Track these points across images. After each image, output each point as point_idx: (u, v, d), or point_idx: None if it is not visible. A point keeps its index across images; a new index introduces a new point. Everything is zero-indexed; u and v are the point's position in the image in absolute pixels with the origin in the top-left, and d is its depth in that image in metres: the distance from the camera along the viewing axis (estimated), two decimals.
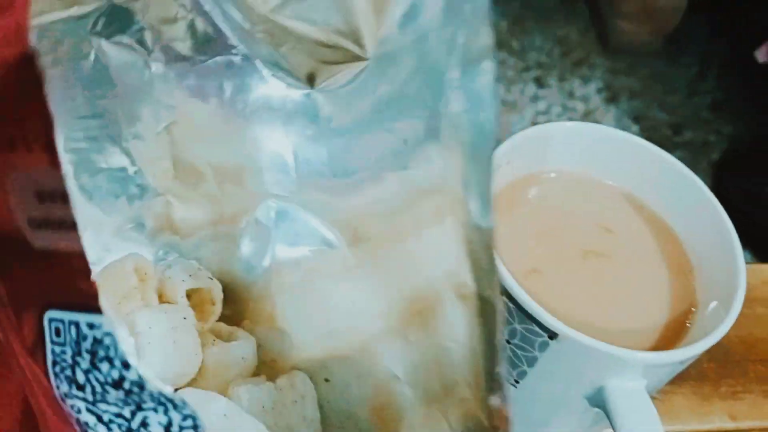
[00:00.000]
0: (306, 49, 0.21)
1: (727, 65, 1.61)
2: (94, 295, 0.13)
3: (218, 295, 0.25)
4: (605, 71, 1.60)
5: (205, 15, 0.21)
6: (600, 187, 0.30)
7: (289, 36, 0.20)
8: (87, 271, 0.13)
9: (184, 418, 0.14)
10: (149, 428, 0.14)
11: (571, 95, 1.54)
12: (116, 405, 0.14)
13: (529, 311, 0.23)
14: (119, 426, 0.14)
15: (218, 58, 0.22)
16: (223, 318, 0.25)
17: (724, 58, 1.62)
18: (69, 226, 0.13)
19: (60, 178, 0.13)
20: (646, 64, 1.63)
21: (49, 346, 0.14)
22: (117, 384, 0.14)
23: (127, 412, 0.14)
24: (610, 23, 1.62)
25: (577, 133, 0.29)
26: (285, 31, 0.21)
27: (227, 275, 0.26)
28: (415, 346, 0.22)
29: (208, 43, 0.22)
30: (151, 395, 0.13)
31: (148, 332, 0.21)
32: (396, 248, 0.22)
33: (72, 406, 0.14)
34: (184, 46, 0.22)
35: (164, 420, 0.14)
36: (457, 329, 0.20)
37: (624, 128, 0.32)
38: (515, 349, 0.24)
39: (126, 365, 0.13)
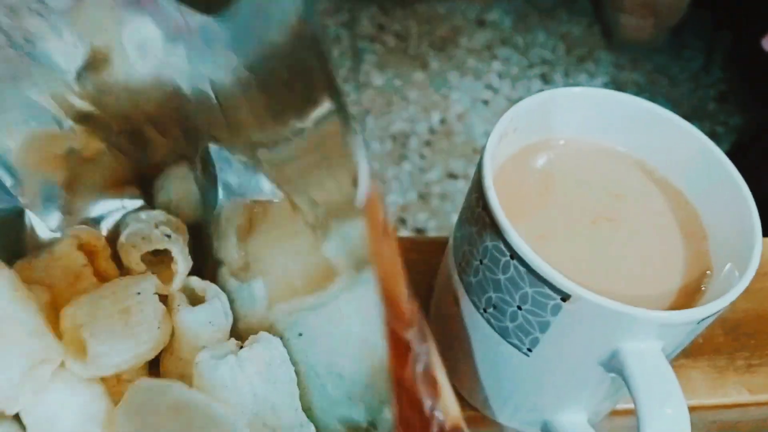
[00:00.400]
0: None
1: (731, 57, 1.60)
2: None
3: (179, 252, 0.23)
4: (610, 66, 1.60)
5: None
6: (611, 154, 0.29)
7: None
8: None
9: None
10: None
11: None
12: None
13: (540, 273, 0.22)
14: None
15: None
16: (197, 272, 0.24)
17: (728, 49, 1.61)
18: None
19: None
20: (650, 58, 1.62)
21: None
22: None
23: None
24: (613, 18, 1.62)
25: (586, 99, 0.28)
26: None
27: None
28: None
29: None
30: None
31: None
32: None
33: None
34: None
35: None
36: None
37: None
38: (527, 315, 0.24)
39: None
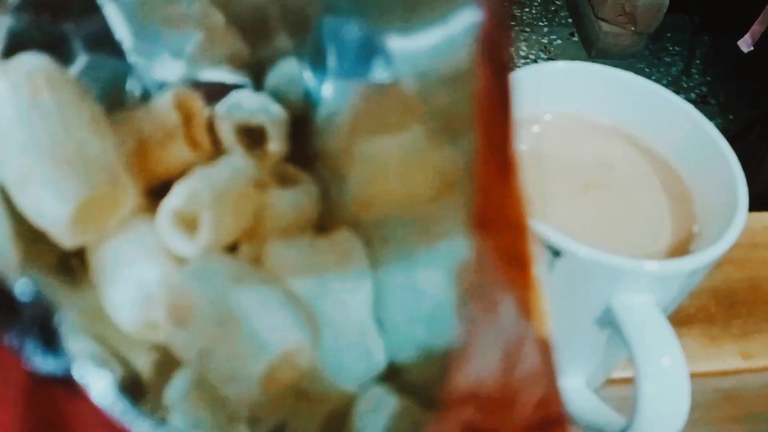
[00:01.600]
0: None
1: (710, 60, 1.63)
2: None
3: (276, 130, 0.22)
4: None
5: None
6: (596, 127, 0.30)
7: None
8: None
9: None
10: None
11: None
12: None
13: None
14: None
15: None
16: (293, 158, 0.23)
17: (707, 53, 1.64)
18: None
19: None
20: (630, 65, 1.65)
21: None
22: None
23: None
24: (593, 28, 1.64)
25: (570, 73, 0.29)
26: None
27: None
28: None
29: None
30: None
31: None
32: None
33: None
34: None
35: None
36: None
37: None
38: None
39: None
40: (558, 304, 0.24)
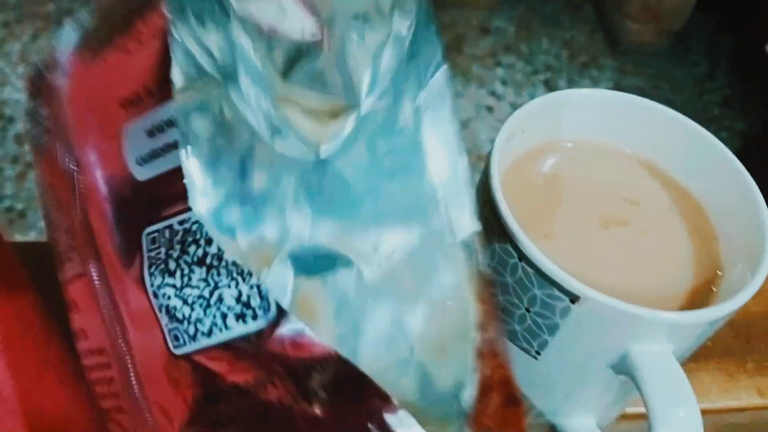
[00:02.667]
0: (310, 114, 0.20)
1: (735, 61, 1.60)
2: (185, 198, 0.16)
3: None
4: (614, 72, 1.60)
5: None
6: (619, 156, 0.29)
7: (298, 105, 0.20)
8: (182, 179, 0.16)
9: (251, 287, 0.17)
10: (224, 302, 0.17)
11: None
12: (197, 287, 0.17)
13: (549, 274, 0.22)
14: (200, 305, 0.17)
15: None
16: None
17: (732, 54, 1.61)
18: (173, 146, 0.17)
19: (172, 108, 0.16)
20: (654, 63, 1.62)
21: (145, 254, 0.18)
22: (201, 261, 0.17)
23: (206, 293, 0.17)
24: (617, 24, 1.62)
25: (593, 100, 0.28)
26: (295, 102, 0.20)
27: None
28: None
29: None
30: (227, 270, 0.17)
31: None
32: None
33: (163, 295, 0.18)
34: None
35: (235, 293, 0.17)
36: None
37: None
38: (536, 318, 0.24)
39: (209, 242, 0.17)
40: (573, 347, 0.24)
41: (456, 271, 0.19)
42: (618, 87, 1.57)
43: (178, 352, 0.18)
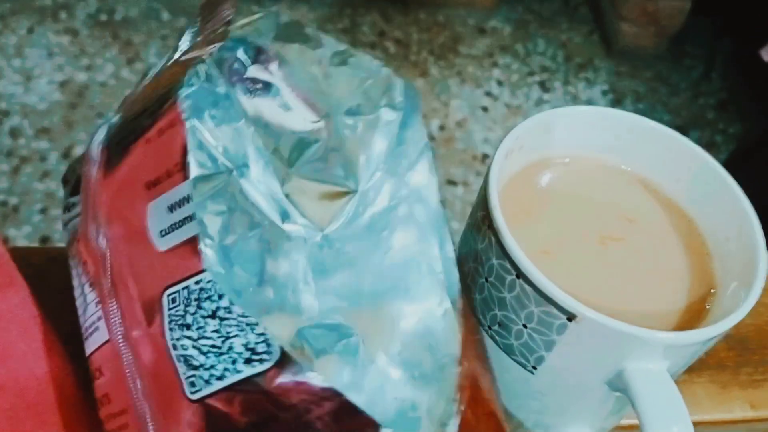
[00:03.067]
0: (314, 198, 0.23)
1: (731, 65, 1.61)
2: (199, 260, 0.19)
3: None
4: (609, 74, 1.60)
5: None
6: (615, 172, 0.29)
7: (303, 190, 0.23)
8: (197, 247, 0.19)
9: (258, 335, 0.19)
10: (234, 349, 0.19)
11: (575, 99, 1.54)
12: (211, 338, 0.19)
13: (547, 293, 0.22)
14: (214, 353, 0.19)
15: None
16: None
17: (728, 58, 1.62)
18: (189, 218, 0.20)
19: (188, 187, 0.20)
20: (650, 66, 1.63)
21: (166, 312, 0.20)
22: (214, 314, 0.19)
23: (219, 342, 0.19)
24: (613, 26, 1.62)
25: (589, 117, 0.29)
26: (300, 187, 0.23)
27: None
28: None
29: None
30: (236, 321, 0.19)
31: None
32: None
33: (182, 346, 0.20)
34: None
35: (244, 341, 0.19)
36: None
37: None
38: (533, 334, 0.24)
39: (220, 297, 0.19)
40: (569, 364, 0.24)
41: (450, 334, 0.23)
42: (613, 89, 1.57)
43: (194, 397, 0.20)
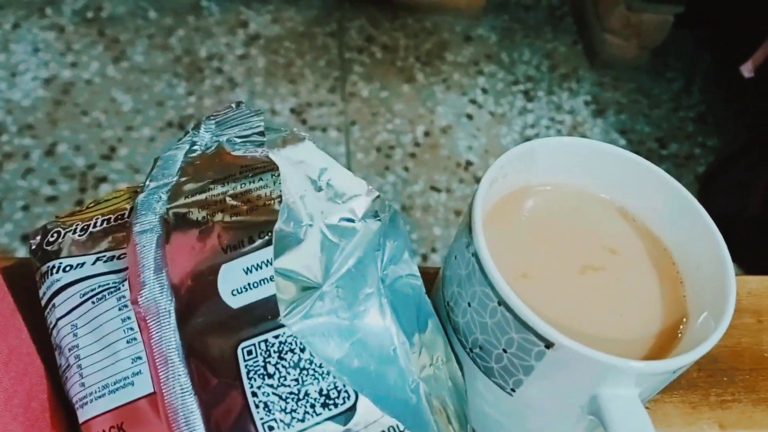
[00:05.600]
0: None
1: (711, 79, 1.64)
2: (274, 317, 0.22)
3: None
4: (592, 85, 1.62)
5: None
6: (595, 201, 0.30)
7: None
8: (272, 305, 0.22)
9: (329, 384, 0.22)
10: (310, 398, 0.22)
11: (559, 108, 1.56)
12: (289, 385, 0.22)
13: (527, 321, 0.23)
14: (293, 399, 0.22)
15: None
16: None
17: (708, 72, 1.65)
18: (266, 280, 0.23)
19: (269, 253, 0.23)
20: (632, 78, 1.65)
21: (242, 363, 0.22)
22: (296, 365, 0.22)
23: (296, 389, 0.22)
24: (597, 38, 1.64)
25: (572, 148, 0.30)
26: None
27: None
28: None
29: None
30: (314, 370, 0.22)
31: None
32: None
33: (263, 393, 0.22)
34: None
35: (317, 388, 0.22)
36: None
37: (611, 141, 0.33)
38: (512, 358, 0.25)
39: (302, 350, 0.22)
40: (546, 387, 0.25)
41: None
42: (596, 100, 1.59)
43: None
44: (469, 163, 1.40)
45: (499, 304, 0.24)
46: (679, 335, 0.27)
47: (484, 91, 1.56)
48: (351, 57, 1.58)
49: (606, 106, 1.59)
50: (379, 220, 0.28)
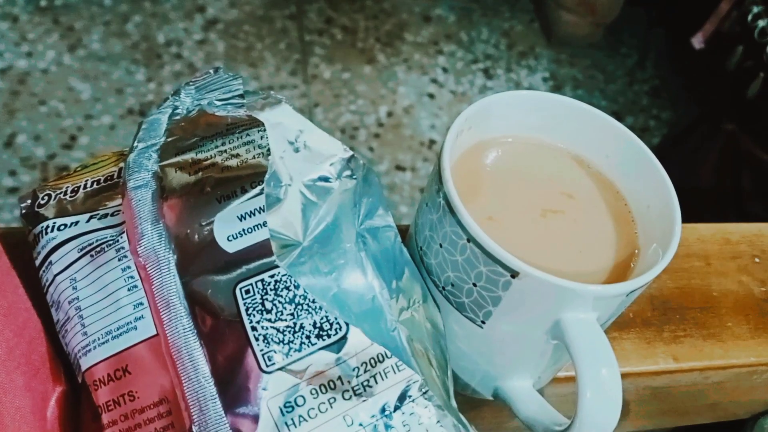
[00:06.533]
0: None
1: (664, 54, 1.68)
2: (269, 257, 0.24)
3: None
4: (550, 61, 1.66)
5: None
6: (553, 150, 0.33)
7: None
8: (266, 247, 0.24)
9: (322, 317, 0.24)
10: (305, 330, 0.24)
11: (518, 85, 1.59)
12: (286, 319, 0.24)
13: (493, 253, 0.26)
14: (290, 332, 0.24)
15: None
16: None
17: (661, 48, 1.70)
18: (261, 226, 0.25)
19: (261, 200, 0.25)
20: (587, 54, 1.69)
21: (241, 301, 0.24)
22: (291, 300, 0.24)
23: (291, 323, 0.24)
24: (553, 16, 1.68)
25: (530, 100, 0.32)
26: None
27: None
28: None
29: None
30: (308, 305, 0.24)
31: None
32: None
33: (262, 327, 0.23)
34: None
35: (311, 321, 0.24)
36: None
37: None
38: (481, 291, 0.27)
39: (297, 287, 0.24)
40: (513, 316, 0.28)
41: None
42: (553, 77, 1.62)
43: (270, 369, 0.23)
44: (432, 142, 1.42)
45: (468, 240, 0.26)
46: (632, 266, 0.29)
47: (445, 70, 1.58)
48: (311, 39, 1.59)
49: (563, 82, 1.63)
50: (355, 178, 0.29)
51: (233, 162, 0.26)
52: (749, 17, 1.17)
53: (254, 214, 0.25)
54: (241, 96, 0.29)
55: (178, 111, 0.29)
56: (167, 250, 0.24)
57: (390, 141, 1.43)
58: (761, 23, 1.16)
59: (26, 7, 1.52)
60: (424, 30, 1.66)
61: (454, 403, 0.29)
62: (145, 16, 1.57)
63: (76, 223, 0.28)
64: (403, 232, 0.38)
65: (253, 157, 0.26)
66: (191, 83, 0.31)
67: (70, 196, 0.29)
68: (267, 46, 1.55)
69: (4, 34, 1.46)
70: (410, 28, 1.66)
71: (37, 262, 0.28)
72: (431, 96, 1.52)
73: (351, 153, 0.30)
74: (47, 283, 0.28)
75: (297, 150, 0.29)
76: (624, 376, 0.33)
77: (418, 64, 1.58)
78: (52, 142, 1.31)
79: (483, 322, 0.28)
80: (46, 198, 0.29)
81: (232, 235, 0.24)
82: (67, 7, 1.55)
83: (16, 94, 1.37)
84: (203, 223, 0.25)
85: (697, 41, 1.35)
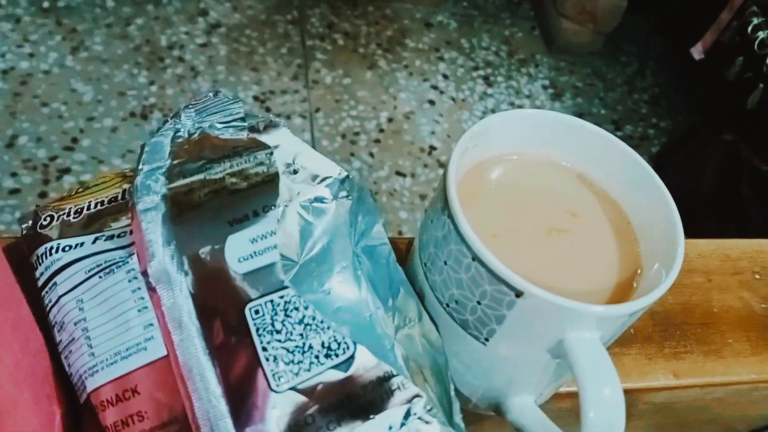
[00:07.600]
0: None
1: (663, 63, 1.69)
2: (279, 281, 0.25)
3: None
4: (550, 69, 1.66)
5: None
6: (557, 168, 0.33)
7: None
8: (276, 270, 0.25)
9: (331, 337, 0.24)
10: (313, 350, 0.24)
11: (518, 93, 1.60)
12: (295, 340, 0.24)
13: (498, 273, 0.26)
14: (299, 352, 0.24)
15: None
16: None
17: (661, 56, 1.70)
18: (272, 248, 0.25)
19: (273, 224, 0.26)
20: (588, 62, 1.70)
21: (251, 321, 0.24)
22: (301, 321, 0.24)
23: (301, 343, 0.24)
24: (554, 23, 1.68)
25: (536, 120, 0.32)
26: None
27: None
28: None
29: None
30: (317, 325, 0.24)
31: None
32: None
33: (272, 347, 0.24)
34: None
35: (320, 341, 0.24)
36: None
37: None
38: (485, 309, 0.27)
39: (306, 308, 0.25)
40: (517, 335, 0.28)
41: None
42: (553, 84, 1.63)
43: (281, 389, 0.23)
44: (432, 148, 1.43)
45: (473, 259, 0.26)
46: (635, 285, 0.29)
47: (445, 76, 1.59)
48: (313, 44, 1.59)
49: (563, 90, 1.63)
50: (350, 198, 0.30)
51: (243, 184, 0.27)
52: (749, 28, 1.18)
53: (265, 237, 0.25)
54: (243, 119, 0.30)
55: (179, 134, 0.29)
56: (179, 271, 0.24)
57: (390, 147, 1.43)
58: (761, 34, 1.16)
59: (29, 9, 1.53)
60: (425, 36, 1.67)
61: (458, 420, 0.29)
62: (148, 19, 1.57)
63: (82, 244, 0.28)
64: (404, 241, 0.38)
65: (263, 180, 0.27)
66: (191, 106, 0.31)
67: (74, 217, 0.29)
68: (269, 51, 1.55)
69: (6, 36, 1.46)
70: (411, 34, 1.66)
71: (40, 283, 0.28)
72: (431, 102, 1.52)
73: (346, 173, 0.30)
74: (50, 304, 0.28)
75: (295, 171, 0.29)
76: (625, 392, 0.33)
77: (419, 70, 1.58)
78: (53, 144, 1.32)
79: (486, 340, 0.28)
80: (48, 219, 0.29)
81: (243, 257, 0.25)
82: (69, 9, 1.55)
83: (19, 96, 1.38)
84: (214, 245, 0.25)
85: (697, 52, 1.35)
